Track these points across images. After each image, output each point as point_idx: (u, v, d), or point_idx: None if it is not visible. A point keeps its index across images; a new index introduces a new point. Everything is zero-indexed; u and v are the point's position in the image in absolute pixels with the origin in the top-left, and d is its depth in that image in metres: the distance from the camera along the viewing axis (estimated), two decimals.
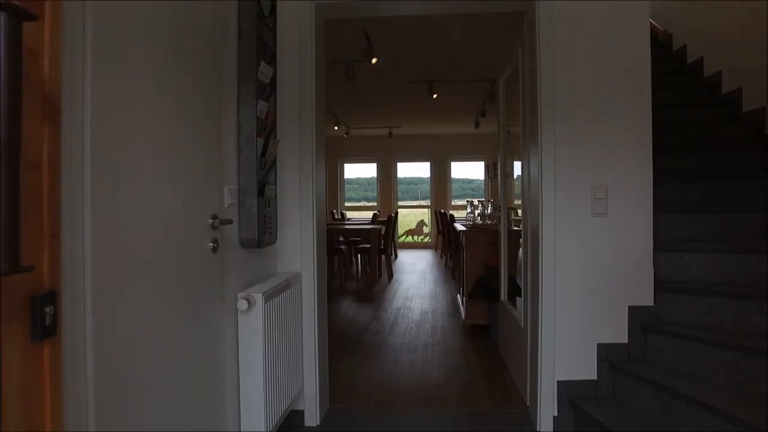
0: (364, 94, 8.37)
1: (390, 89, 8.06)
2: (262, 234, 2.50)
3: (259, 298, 2.29)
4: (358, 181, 14.68)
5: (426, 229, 15.12)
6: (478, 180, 14.00)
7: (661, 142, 2.96)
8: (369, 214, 13.67)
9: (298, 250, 3.01)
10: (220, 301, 2.17)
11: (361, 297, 6.98)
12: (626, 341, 2.80)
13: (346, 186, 14.35)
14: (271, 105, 2.65)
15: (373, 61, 5.72)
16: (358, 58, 5.96)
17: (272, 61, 2.66)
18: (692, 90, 4.57)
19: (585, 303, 2.82)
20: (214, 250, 2.05)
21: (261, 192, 2.51)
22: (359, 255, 8.80)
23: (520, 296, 3.62)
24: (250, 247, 2.46)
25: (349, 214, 14.06)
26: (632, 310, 2.79)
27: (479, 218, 5.67)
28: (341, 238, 8.87)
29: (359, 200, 14.29)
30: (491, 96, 7.85)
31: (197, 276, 1.95)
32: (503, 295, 4.25)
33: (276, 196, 2.75)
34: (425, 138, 13.63)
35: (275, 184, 2.72)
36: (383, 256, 8.40)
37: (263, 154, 2.54)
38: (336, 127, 10.74)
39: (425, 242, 14.02)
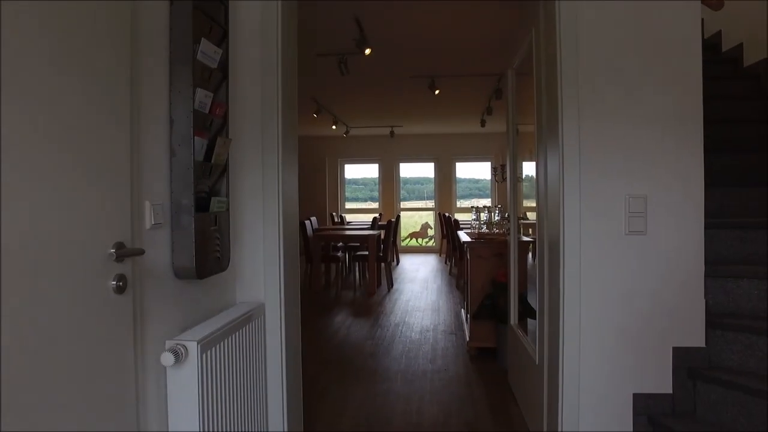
0: (361, 91, 7.82)
1: (388, 85, 7.50)
2: (204, 260, 1.94)
3: (192, 348, 1.73)
4: (365, 182, 14.15)
5: (430, 232, 14.57)
6: (485, 180, 13.43)
7: (706, 140, 2.38)
8: (372, 217, 13.14)
9: (261, 276, 2.43)
10: (135, 355, 1.62)
11: (357, 310, 6.43)
12: (670, 391, 2.23)
13: (352, 186, 13.81)
14: (221, 96, 2.10)
15: (367, 51, 5.16)
16: (350, 49, 5.41)
17: (223, 40, 2.11)
18: (733, 81, 3.99)
19: (618, 341, 2.25)
20: (120, 289, 1.49)
21: (203, 206, 1.96)
22: (357, 262, 8.26)
23: (533, 318, 3.06)
24: (188, 277, 1.91)
25: (350, 217, 13.52)
26: (678, 351, 2.23)
27: (485, 226, 5.10)
28: (340, 244, 8.33)
29: (365, 200, 13.76)
30: (498, 92, 7.29)
31: (89, 329, 1.40)
32: (513, 318, 3.68)
33: (228, 210, 2.19)
34: (429, 138, 13.07)
35: (227, 195, 2.16)
36: (383, 264, 7.85)
37: (208, 158, 1.99)
38: (334, 126, 10.20)
39: (430, 246, 13.46)
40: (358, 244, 7.97)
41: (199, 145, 1.91)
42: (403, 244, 13.57)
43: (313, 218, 9.80)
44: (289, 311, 2.51)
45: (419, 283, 8.42)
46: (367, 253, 7.58)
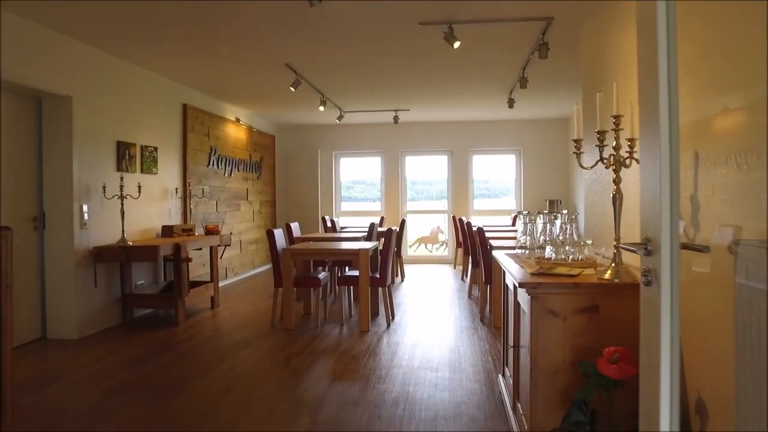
0: (350, 49, 5.69)
1: (389, 37, 5.36)
2: None
3: None
4: (365, 179, 11.97)
5: (442, 236, 12.45)
6: (495, 180, 11.22)
7: None
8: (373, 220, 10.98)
9: None
10: None
11: (337, 366, 4.29)
12: None
13: (351, 184, 11.65)
14: None
15: None
16: None
17: None
18: None
19: None
20: None
21: None
22: (346, 287, 6.14)
23: None
24: None
25: (348, 221, 11.37)
26: None
27: (549, 250, 2.90)
28: (327, 261, 6.21)
29: (367, 200, 11.57)
30: (543, 48, 5.13)
31: None
32: None
33: None
34: (440, 126, 10.91)
35: None
36: (380, 289, 5.72)
37: None
38: (322, 108, 8.06)
39: (441, 256, 11.29)
40: (351, 261, 5.84)
41: None
42: (410, 252, 11.41)
43: (295, 224, 7.66)
44: None
45: (430, 312, 6.27)
46: (357, 274, 5.45)
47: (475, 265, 7.08)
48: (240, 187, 9.18)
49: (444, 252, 11.41)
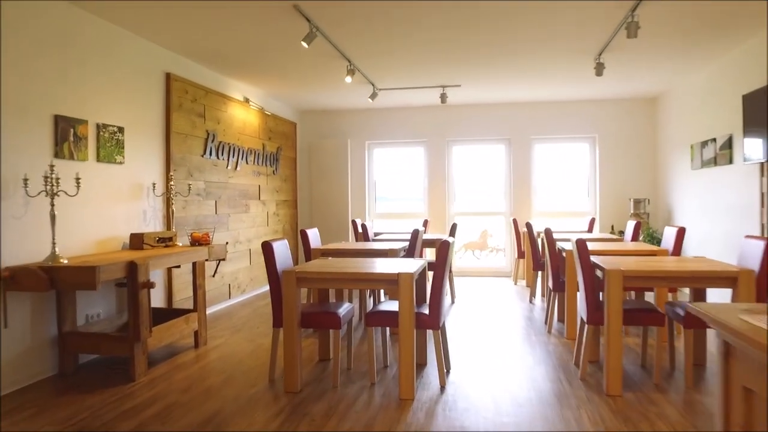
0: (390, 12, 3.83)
1: None
2: None
3: None
4: (413, 177, 10.09)
5: (491, 241, 10.54)
6: (564, 174, 9.14)
7: None
8: (414, 227, 9.10)
9: None
10: None
11: None
12: None
13: (395, 182, 9.77)
14: None
15: None
16: None
17: None
18: None
19: None
20: None
21: None
22: (380, 329, 4.25)
23: None
24: None
25: (383, 226, 9.50)
26: None
27: None
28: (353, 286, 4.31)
29: (416, 200, 9.64)
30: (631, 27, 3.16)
31: None
32: None
33: None
34: (496, 108, 8.94)
35: None
36: (429, 332, 3.81)
37: None
38: (349, 78, 6.19)
39: (496, 267, 9.31)
40: (382, 285, 3.92)
41: None
42: (456, 257, 9.48)
43: (313, 231, 5.83)
44: None
45: (500, 357, 4.35)
46: (395, 309, 3.58)
47: (558, 288, 5.12)
48: (250, 183, 7.41)
49: (497, 260, 9.42)
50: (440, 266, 3.64)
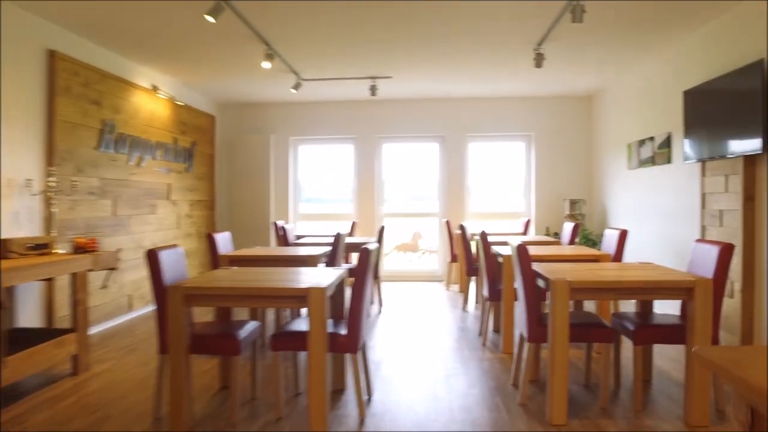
0: None
1: None
2: None
3: None
4: (341, 176, 9.45)
5: (423, 243, 10.14)
6: (499, 173, 8.78)
7: None
8: (343, 226, 8.51)
9: None
10: None
11: None
12: None
13: (321, 181, 9.14)
14: None
15: None
16: None
17: None
18: None
19: None
20: None
21: None
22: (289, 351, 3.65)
23: None
24: None
25: (308, 228, 8.88)
26: None
27: None
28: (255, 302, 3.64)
29: (344, 200, 8.99)
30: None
31: None
32: None
33: None
34: (430, 104, 8.49)
35: None
36: (348, 355, 3.23)
37: None
38: (267, 64, 5.55)
39: (428, 272, 8.85)
40: (295, 301, 3.30)
41: None
42: (386, 259, 8.98)
43: (224, 235, 5.15)
44: None
45: (430, 383, 3.84)
46: (305, 329, 2.99)
47: (494, 297, 4.67)
48: (157, 181, 6.63)
49: (429, 263, 8.98)
50: (360, 278, 3.07)
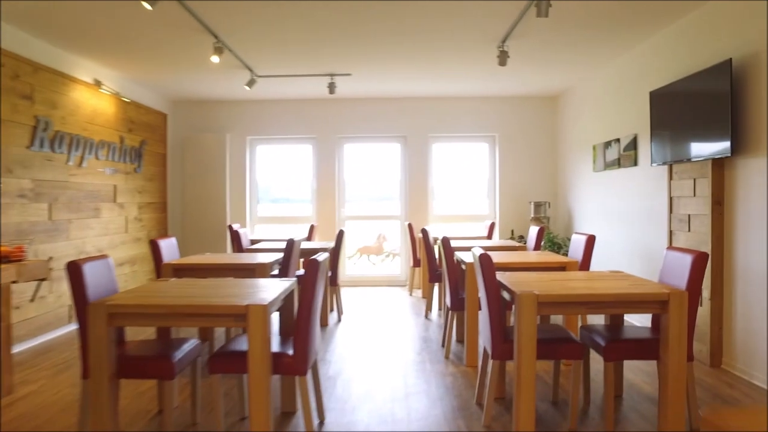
0: None
1: None
2: None
3: None
4: (300, 177, 9.09)
5: (387, 245, 9.96)
6: (463, 175, 8.59)
7: None
8: (301, 229, 8.22)
9: None
10: None
11: None
12: None
13: (280, 182, 8.79)
14: None
15: None
16: None
17: None
18: None
19: None
20: None
21: None
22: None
23: None
24: None
25: (265, 232, 8.54)
26: None
27: None
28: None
29: (303, 201, 8.61)
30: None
31: None
32: None
33: None
34: (392, 103, 8.23)
35: None
36: (298, 378, 2.93)
37: None
38: (216, 58, 5.20)
39: (391, 276, 8.59)
40: (229, 318, 2.97)
41: None
42: (349, 267, 8.71)
43: (169, 241, 4.79)
44: None
45: (389, 404, 3.57)
46: (245, 350, 2.67)
47: (457, 306, 4.43)
48: (101, 182, 6.21)
49: (392, 268, 8.72)
50: (308, 293, 2.78)
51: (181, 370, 2.86)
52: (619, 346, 3.01)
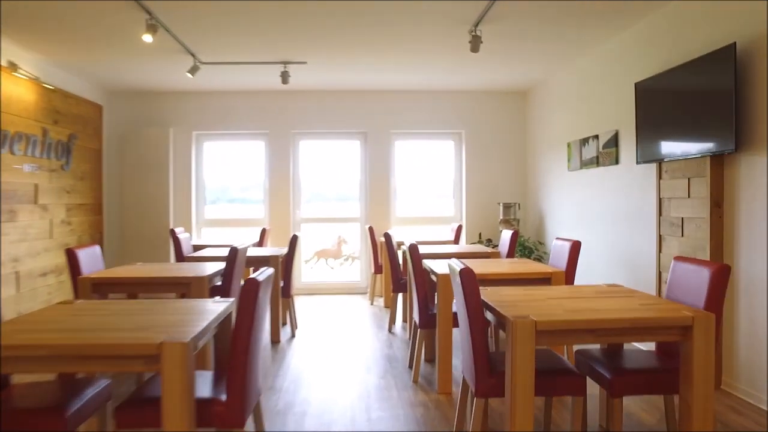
0: None
1: None
2: None
3: None
4: (251, 176, 8.29)
5: (346, 248, 9.35)
6: (427, 174, 8.05)
7: None
8: (252, 233, 7.52)
9: None
10: None
11: None
12: None
13: (230, 182, 8.06)
14: None
15: None
16: None
17: None
18: None
19: None
20: None
21: None
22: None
23: None
24: None
25: (214, 237, 7.82)
26: None
27: None
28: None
29: (255, 202, 7.88)
30: None
31: None
32: None
33: None
34: (351, 96, 7.63)
35: None
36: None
37: None
38: (149, 38, 4.50)
39: (350, 283, 7.99)
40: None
41: None
42: (305, 273, 8.07)
43: (91, 250, 4.08)
44: None
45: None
46: (157, 397, 2.05)
47: (426, 324, 3.87)
48: (17, 181, 5.42)
49: (352, 274, 8.13)
50: (244, 322, 2.16)
51: (80, 422, 2.20)
52: (628, 380, 2.49)
